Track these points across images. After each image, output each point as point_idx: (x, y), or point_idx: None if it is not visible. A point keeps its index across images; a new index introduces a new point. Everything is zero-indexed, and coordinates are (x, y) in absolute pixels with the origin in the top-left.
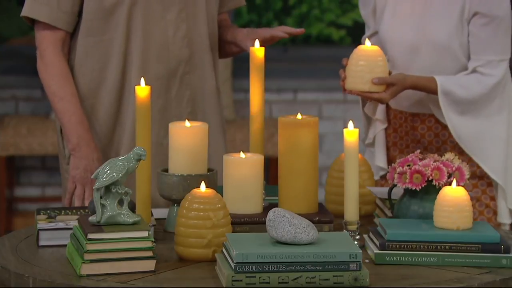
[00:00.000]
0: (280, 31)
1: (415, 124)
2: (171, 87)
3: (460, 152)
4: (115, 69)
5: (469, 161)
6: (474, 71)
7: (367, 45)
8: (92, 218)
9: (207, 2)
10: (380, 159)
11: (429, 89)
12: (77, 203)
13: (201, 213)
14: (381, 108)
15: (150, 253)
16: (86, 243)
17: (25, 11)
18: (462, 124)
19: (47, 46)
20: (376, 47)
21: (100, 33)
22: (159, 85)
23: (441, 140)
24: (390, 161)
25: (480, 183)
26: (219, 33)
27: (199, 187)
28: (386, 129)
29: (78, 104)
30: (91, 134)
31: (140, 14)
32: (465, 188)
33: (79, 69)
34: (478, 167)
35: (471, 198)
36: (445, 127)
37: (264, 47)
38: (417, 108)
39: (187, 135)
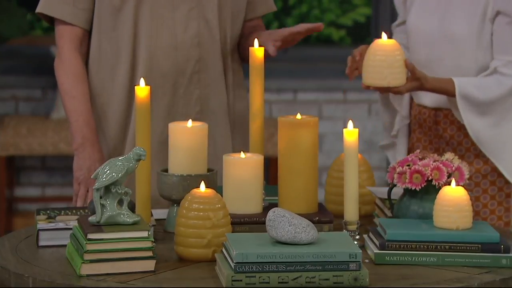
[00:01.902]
0: (298, 28)
1: (438, 118)
2: (179, 85)
3: None
4: (124, 66)
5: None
6: (494, 71)
7: (384, 39)
8: (92, 218)
9: (220, 5)
10: (402, 155)
11: (447, 91)
12: (79, 203)
13: (201, 213)
14: (405, 103)
15: (150, 253)
16: (86, 243)
17: (40, 7)
18: (480, 127)
19: (65, 43)
20: (393, 41)
21: (109, 30)
22: (165, 83)
23: (462, 133)
24: None
25: (499, 180)
26: (250, 39)
27: (199, 187)
28: (410, 124)
29: (88, 105)
30: (96, 136)
31: (147, 12)
32: (481, 186)
33: (93, 66)
34: None
35: (486, 197)
36: None
37: (287, 47)
38: (439, 103)
39: (187, 135)
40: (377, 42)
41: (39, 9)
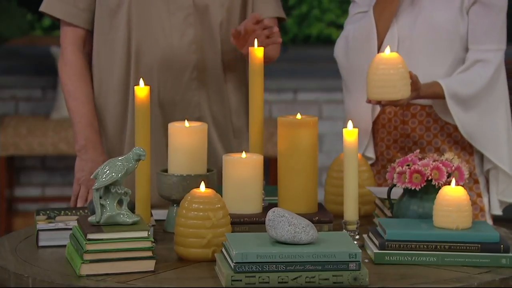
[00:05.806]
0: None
1: (406, 118)
2: (176, 91)
3: (450, 147)
4: (118, 69)
5: (459, 156)
6: (473, 63)
7: (387, 53)
8: (91, 218)
9: (222, 10)
10: (369, 150)
11: (437, 95)
12: (79, 204)
13: (201, 213)
14: (366, 107)
15: (149, 253)
16: (86, 243)
17: (43, 6)
18: (470, 121)
19: (68, 44)
20: (396, 54)
21: (106, 32)
22: (161, 88)
23: (432, 133)
24: (376, 157)
25: (468, 180)
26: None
27: (199, 187)
28: (374, 124)
29: (91, 106)
30: (99, 138)
31: (140, 16)
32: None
33: (94, 67)
34: (468, 162)
35: None
36: (436, 120)
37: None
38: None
39: (186, 135)
40: (381, 56)
41: (42, 8)
